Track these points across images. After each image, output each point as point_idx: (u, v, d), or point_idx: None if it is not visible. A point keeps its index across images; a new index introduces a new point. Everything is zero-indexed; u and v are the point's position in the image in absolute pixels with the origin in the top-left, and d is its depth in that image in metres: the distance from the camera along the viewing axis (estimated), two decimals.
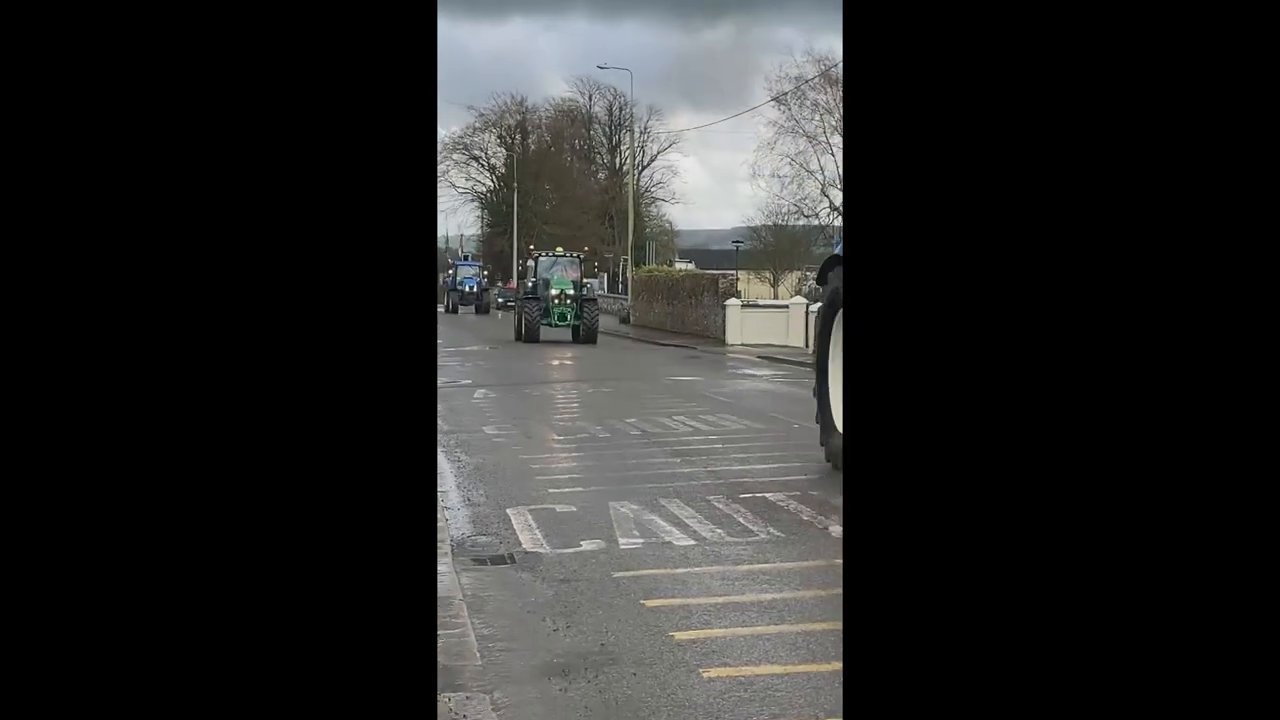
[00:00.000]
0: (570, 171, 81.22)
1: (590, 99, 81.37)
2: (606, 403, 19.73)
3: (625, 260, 61.39)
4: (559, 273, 40.60)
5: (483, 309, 64.40)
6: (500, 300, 67.26)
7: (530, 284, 41.10)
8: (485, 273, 72.38)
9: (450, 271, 67.91)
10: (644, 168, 78.03)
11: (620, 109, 78.93)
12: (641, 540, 8.83)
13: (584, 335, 38.54)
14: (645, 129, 77.78)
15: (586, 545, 8.67)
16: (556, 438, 14.99)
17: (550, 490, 10.95)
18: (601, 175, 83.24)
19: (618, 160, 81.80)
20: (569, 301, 38.95)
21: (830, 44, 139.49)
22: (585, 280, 42.14)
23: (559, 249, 45.87)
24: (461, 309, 64.64)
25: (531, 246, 48.75)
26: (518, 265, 66.95)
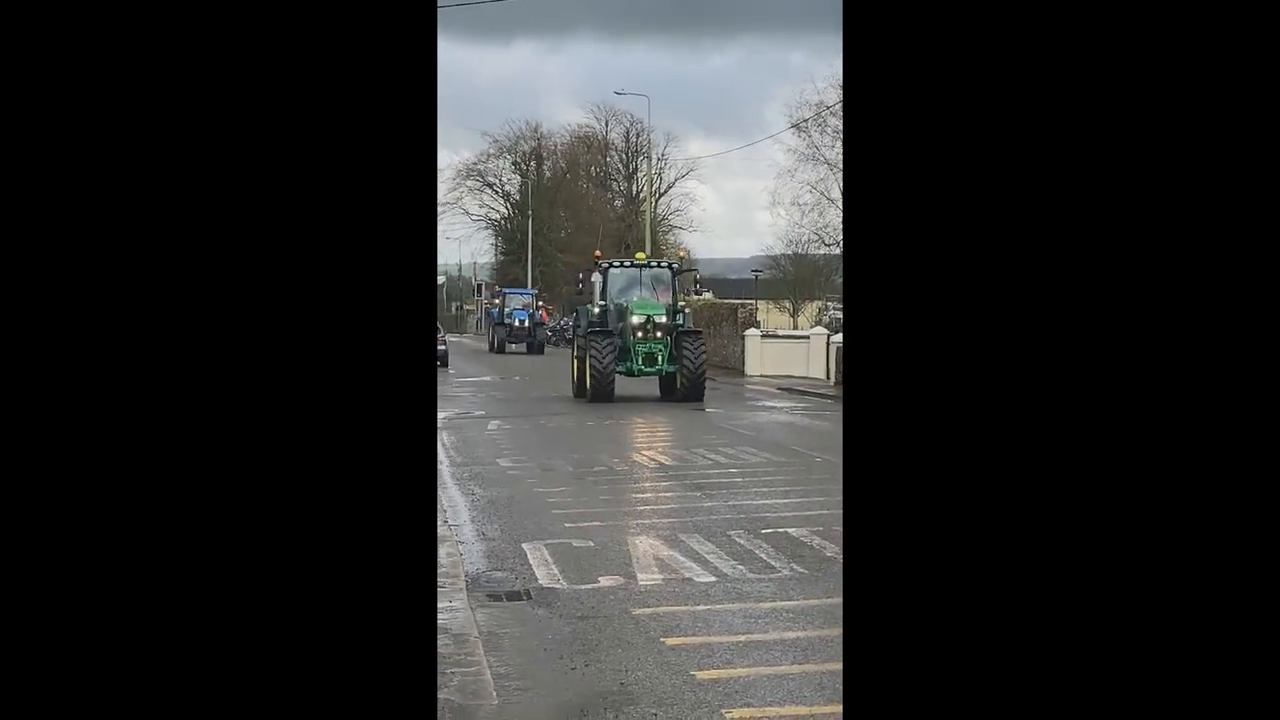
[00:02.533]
0: (586, 199, 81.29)
1: (607, 125, 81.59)
2: (622, 435, 19.60)
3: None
4: (641, 292, 27.08)
5: (536, 347, 54.38)
6: (550, 335, 59.63)
7: (597, 310, 27.04)
8: (540, 303, 62.06)
9: (497, 301, 58.95)
10: (661, 195, 78.14)
11: (637, 135, 79.11)
12: (661, 576, 8.68)
13: (686, 388, 25.49)
14: (663, 156, 77.90)
15: (605, 581, 8.51)
16: (571, 470, 14.85)
17: (566, 525, 10.80)
18: (618, 203, 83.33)
19: (634, 187, 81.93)
20: (658, 335, 25.63)
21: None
22: (683, 301, 28.46)
23: (640, 254, 30.44)
24: (511, 345, 54.77)
25: (598, 254, 33.90)
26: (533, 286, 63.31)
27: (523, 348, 54.22)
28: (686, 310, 28.24)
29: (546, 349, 54.44)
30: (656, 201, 75.13)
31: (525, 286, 63.91)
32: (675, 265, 29.29)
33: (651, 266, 28.14)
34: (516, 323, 55.12)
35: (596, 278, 28.25)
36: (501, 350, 53.64)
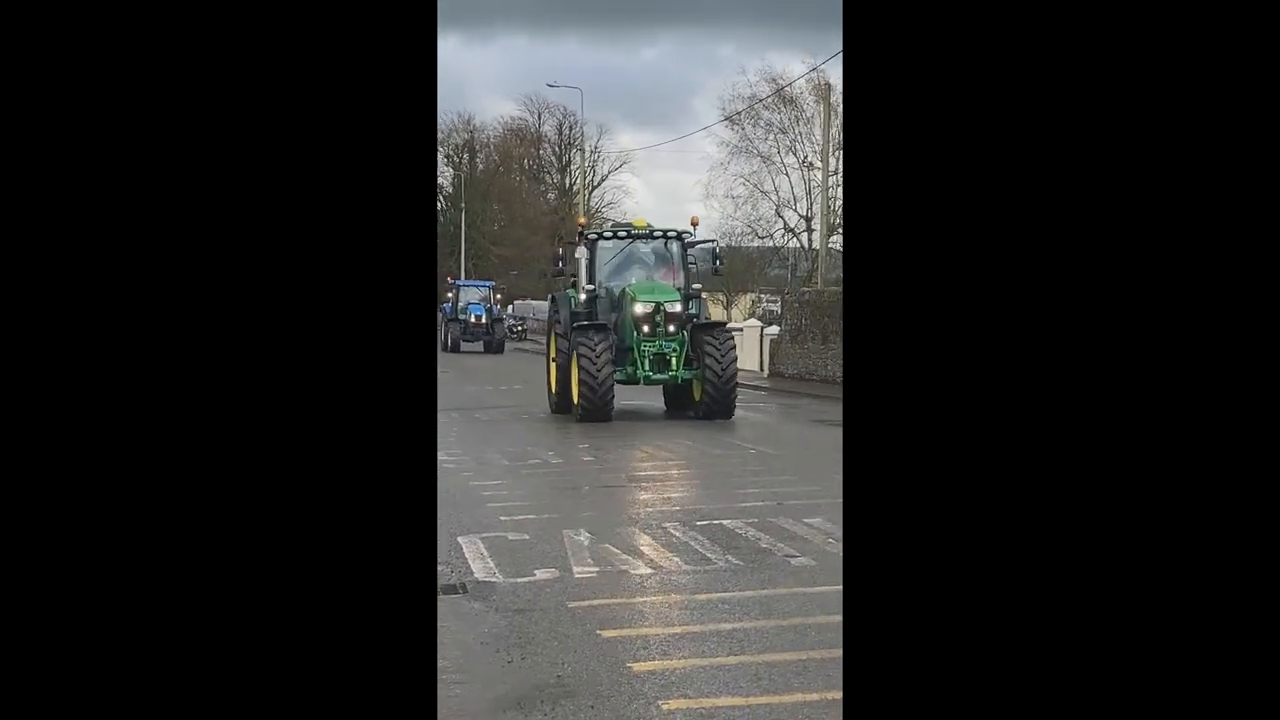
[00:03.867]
0: (520, 191, 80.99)
1: (540, 117, 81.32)
2: (557, 430, 19.57)
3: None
4: (641, 273, 20.97)
5: (495, 345, 48.11)
6: (509, 331, 53.54)
7: (585, 295, 20.24)
8: (499, 296, 54.85)
9: (449, 295, 50.65)
10: (594, 187, 78.05)
11: (570, 128, 78.95)
12: (597, 569, 8.68)
13: (710, 400, 19.02)
14: (596, 148, 77.77)
15: (540, 574, 8.50)
16: (506, 464, 14.81)
17: (501, 517, 10.77)
18: (551, 195, 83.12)
19: (568, 180, 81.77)
20: (670, 329, 19.35)
21: (775, 61, 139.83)
22: (697, 285, 21.29)
23: (640, 219, 22.61)
24: (466, 345, 48.10)
25: (582, 220, 27.82)
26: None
27: (479, 346, 48.34)
28: (703, 296, 22.09)
29: (506, 346, 49.66)
30: (590, 194, 75.07)
31: (459, 279, 57.23)
32: (686, 234, 21.45)
33: (655, 236, 21.12)
34: (473, 319, 48.43)
35: (582, 252, 20.53)
36: (456, 349, 47.18)
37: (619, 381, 19.30)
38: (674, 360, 19.40)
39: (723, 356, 19.07)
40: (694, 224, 22.08)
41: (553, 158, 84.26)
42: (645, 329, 19.32)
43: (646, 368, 19.40)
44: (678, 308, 19.46)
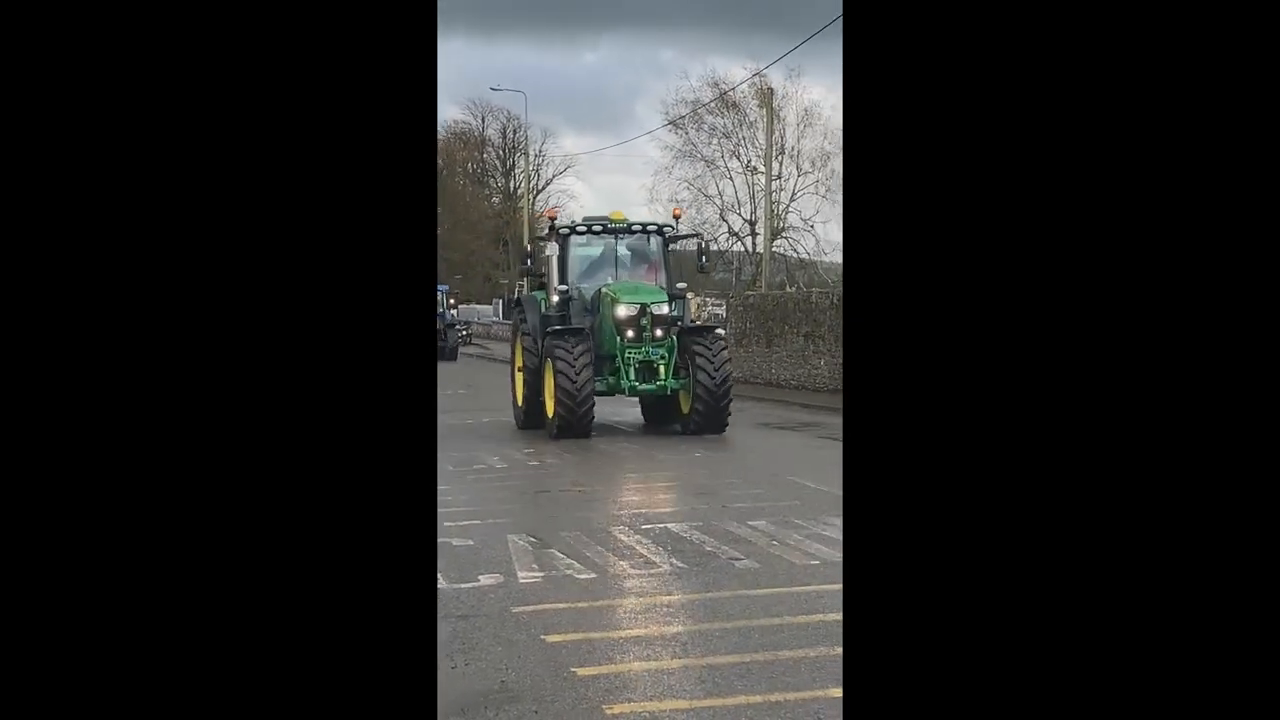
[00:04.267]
0: (463, 195, 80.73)
1: (484, 121, 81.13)
2: (502, 433, 19.51)
3: (521, 286, 57.11)
4: (619, 272, 19.07)
5: (448, 353, 43.49)
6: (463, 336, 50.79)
7: (557, 297, 18.44)
8: (454, 301, 52.71)
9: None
10: (539, 191, 77.94)
11: (514, 132, 78.82)
12: (541, 574, 8.67)
13: (701, 413, 17.54)
14: (540, 152, 77.68)
15: (485, 580, 8.48)
16: (451, 469, 14.75)
17: (446, 523, 10.73)
18: (495, 199, 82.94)
19: (512, 184, 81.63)
20: (658, 333, 17.49)
21: (718, 65, 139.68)
22: (683, 284, 19.39)
23: (617, 212, 19.50)
24: None
25: (552, 213, 23.72)
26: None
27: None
28: (689, 296, 20.22)
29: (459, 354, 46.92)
30: (535, 198, 74.93)
31: None
32: (668, 228, 19.54)
33: (633, 231, 19.14)
34: None
35: (552, 249, 18.71)
36: None
37: (599, 393, 17.54)
38: (662, 369, 17.52)
39: (715, 364, 17.29)
40: (676, 216, 20.25)
41: (497, 162, 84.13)
42: (629, 334, 17.37)
43: (631, 377, 17.46)
44: (665, 309, 17.45)
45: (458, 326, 49.01)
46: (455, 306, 52.75)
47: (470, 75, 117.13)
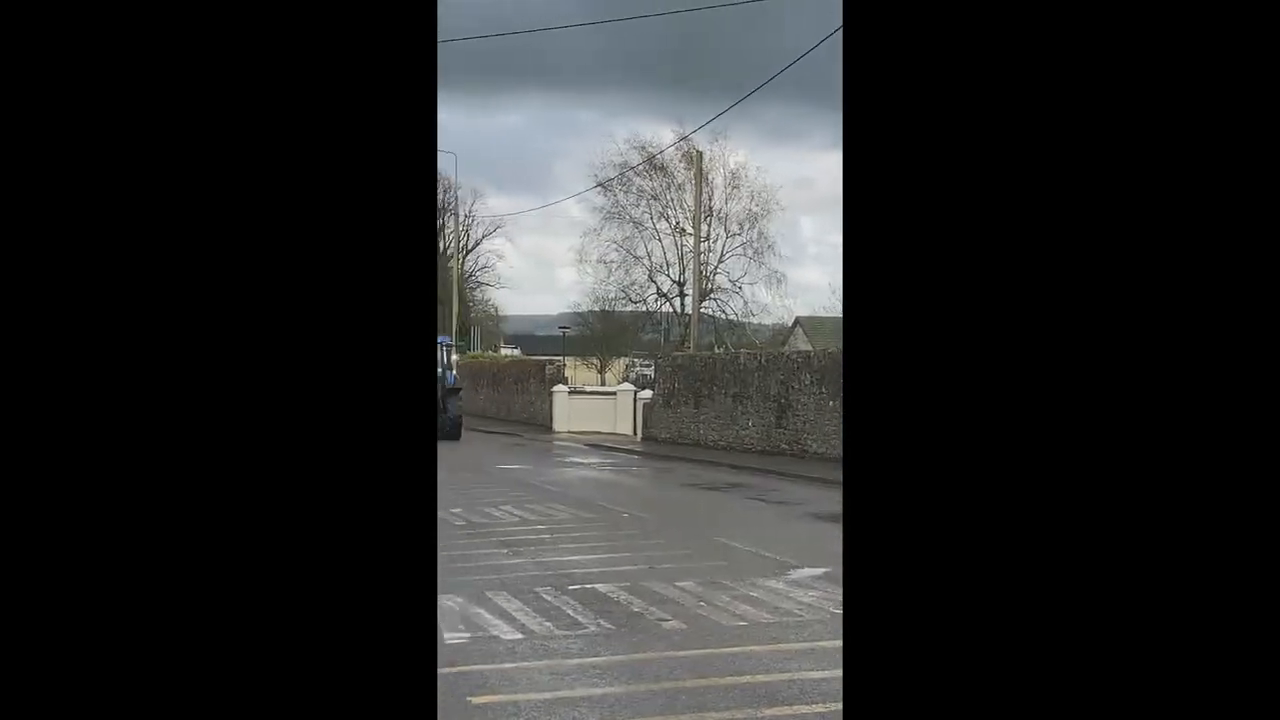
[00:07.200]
0: None
1: None
2: None
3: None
4: None
5: (449, 429, 33.67)
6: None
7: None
8: (456, 359, 44.98)
9: None
10: (468, 252, 77.93)
11: (444, 193, 78.83)
12: (468, 634, 8.60)
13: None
14: (470, 213, 77.73)
15: None
16: None
17: None
18: None
19: (441, 244, 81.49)
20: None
21: (640, 128, 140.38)
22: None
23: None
24: None
25: None
26: None
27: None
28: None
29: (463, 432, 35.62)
30: (464, 259, 74.93)
31: None
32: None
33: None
34: None
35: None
36: None
37: None
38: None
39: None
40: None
41: None
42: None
43: None
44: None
45: (461, 392, 37.75)
46: (455, 365, 42.31)
47: None
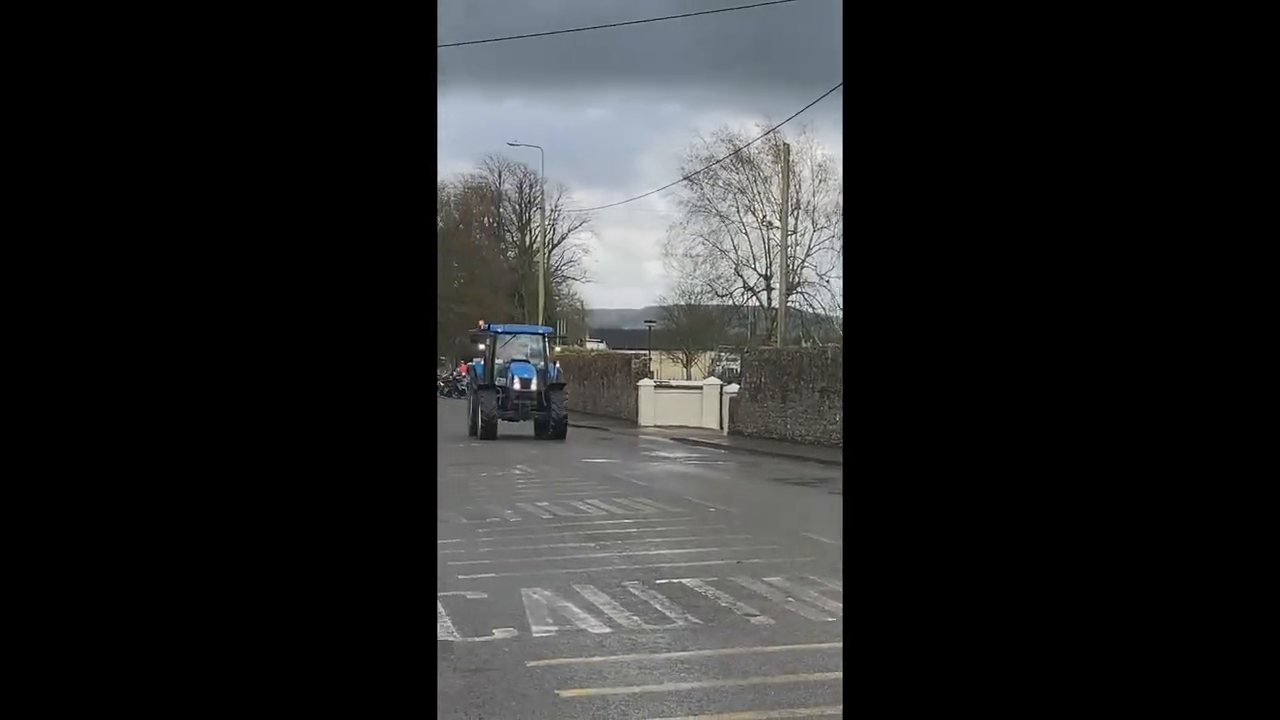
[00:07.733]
0: (480, 250, 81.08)
1: (500, 176, 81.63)
2: (517, 486, 19.48)
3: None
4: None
5: (554, 426, 31.58)
6: (460, 389, 46.47)
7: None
8: (559, 350, 42.71)
9: (481, 347, 36.02)
10: (554, 245, 78.28)
11: (530, 186, 79.29)
12: (555, 628, 8.61)
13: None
14: (556, 207, 78.07)
15: (498, 634, 8.43)
16: (465, 522, 14.71)
17: (459, 576, 10.69)
18: (511, 253, 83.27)
19: (528, 238, 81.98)
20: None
21: (725, 119, 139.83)
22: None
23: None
24: (507, 424, 32.37)
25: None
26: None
27: (529, 427, 32.63)
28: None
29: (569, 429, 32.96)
30: (550, 252, 75.28)
31: (494, 325, 37.49)
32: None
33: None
34: (518, 384, 32.01)
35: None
36: (490, 435, 31.23)
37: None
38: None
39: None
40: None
41: (513, 216, 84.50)
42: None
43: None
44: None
45: (565, 387, 35.35)
46: (556, 359, 38.64)
47: (478, 130, 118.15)
